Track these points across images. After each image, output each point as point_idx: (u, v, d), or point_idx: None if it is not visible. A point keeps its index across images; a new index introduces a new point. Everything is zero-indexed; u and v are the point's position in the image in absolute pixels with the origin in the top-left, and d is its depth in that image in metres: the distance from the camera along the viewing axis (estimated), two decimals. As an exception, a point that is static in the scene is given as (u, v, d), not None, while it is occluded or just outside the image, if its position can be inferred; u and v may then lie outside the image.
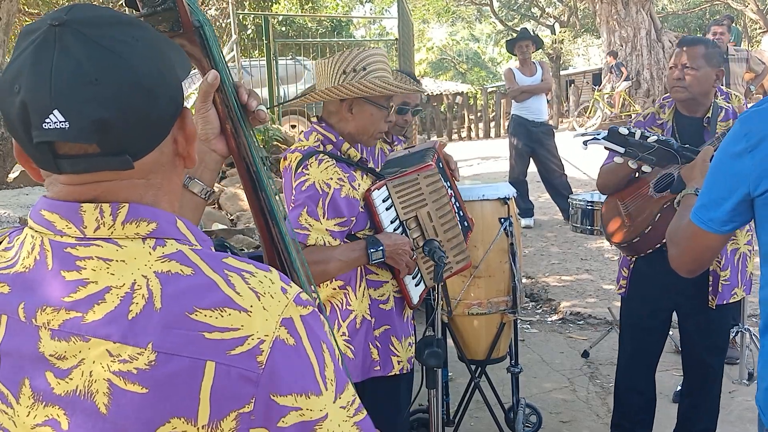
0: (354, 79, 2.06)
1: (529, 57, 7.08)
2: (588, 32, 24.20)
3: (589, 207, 4.08)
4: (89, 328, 0.76)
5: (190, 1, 1.03)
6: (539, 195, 8.09)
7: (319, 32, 14.31)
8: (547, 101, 8.85)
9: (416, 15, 23.71)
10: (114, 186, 0.81)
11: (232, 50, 8.62)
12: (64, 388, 0.77)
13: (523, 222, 7.15)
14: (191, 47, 1.06)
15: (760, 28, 19.15)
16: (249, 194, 1.11)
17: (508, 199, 2.92)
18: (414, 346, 2.30)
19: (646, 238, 2.68)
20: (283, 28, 15.32)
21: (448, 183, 2.37)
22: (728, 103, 2.74)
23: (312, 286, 1.14)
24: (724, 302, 2.70)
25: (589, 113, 15.77)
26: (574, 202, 4.30)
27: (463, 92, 21.04)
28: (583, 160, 7.96)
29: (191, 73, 0.97)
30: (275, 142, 6.50)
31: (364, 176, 2.18)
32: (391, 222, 2.17)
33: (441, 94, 21.77)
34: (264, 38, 8.95)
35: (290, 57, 9.92)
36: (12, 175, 6.41)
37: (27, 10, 11.21)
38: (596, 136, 2.33)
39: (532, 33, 7.70)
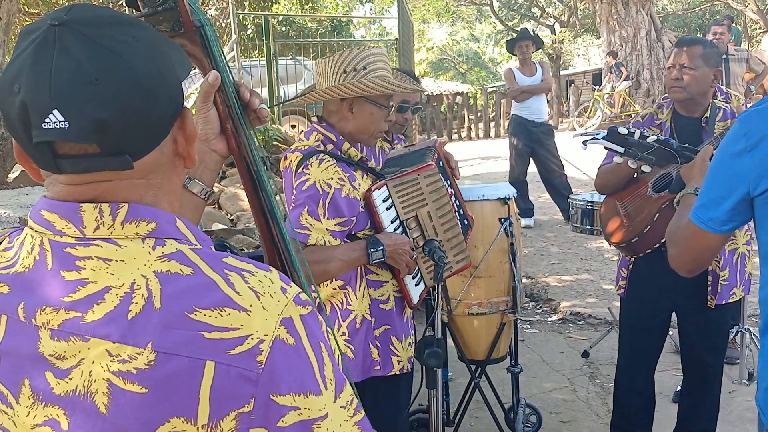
0: (354, 79, 2.06)
1: (529, 57, 7.08)
2: (588, 32, 24.21)
3: (589, 207, 4.08)
4: (89, 328, 0.76)
5: (191, 1, 1.03)
6: (539, 195, 8.09)
7: (319, 32, 14.32)
8: (547, 101, 8.86)
9: (416, 15, 23.71)
10: (114, 186, 0.81)
11: (232, 50, 8.62)
12: (63, 388, 0.77)
13: (523, 222, 7.15)
14: (192, 47, 1.06)
15: (760, 28, 19.15)
16: (249, 194, 1.11)
17: (509, 199, 2.92)
18: (414, 345, 2.30)
19: (644, 238, 2.68)
20: (283, 28, 15.32)
21: (449, 182, 2.37)
22: (728, 103, 2.75)
23: (312, 286, 1.14)
24: (723, 302, 2.70)
25: (589, 113, 15.78)
26: (574, 202, 4.30)
27: (463, 92, 21.04)
28: (583, 160, 7.96)
29: (191, 73, 0.97)
30: (275, 142, 6.50)
31: (365, 176, 2.18)
32: (392, 222, 2.17)
33: (441, 94, 21.76)
34: (264, 38, 8.96)
35: (290, 57, 9.93)
36: (12, 175, 6.42)
37: (27, 10, 11.21)
38: (596, 135, 2.34)
39: (532, 33, 7.70)
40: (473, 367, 3.07)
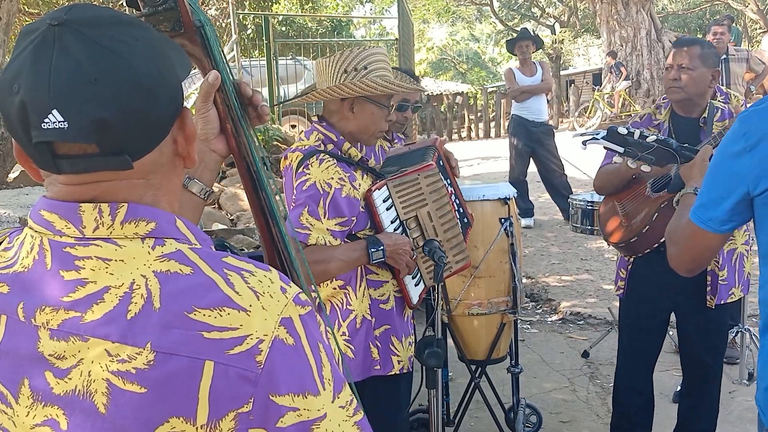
0: (355, 78, 2.06)
1: (529, 57, 7.08)
2: (588, 32, 24.20)
3: (589, 207, 4.08)
4: (88, 328, 0.76)
5: (192, 1, 1.03)
6: (539, 195, 8.09)
7: (319, 32, 14.32)
8: (547, 101, 8.85)
9: (416, 15, 23.71)
10: (113, 186, 0.81)
11: (232, 50, 8.63)
12: (63, 387, 0.77)
13: (523, 222, 7.15)
14: (192, 47, 1.06)
15: (760, 28, 19.15)
16: (249, 194, 1.11)
17: (509, 199, 2.92)
18: (414, 345, 2.30)
19: (643, 238, 2.68)
20: (283, 28, 15.32)
21: (449, 180, 2.37)
22: (727, 103, 2.75)
23: (312, 286, 1.14)
24: (722, 302, 2.70)
25: (589, 113, 15.78)
26: (574, 202, 4.30)
27: (463, 92, 21.04)
28: (583, 160, 7.95)
29: (191, 73, 0.97)
30: (275, 142, 6.50)
31: (365, 176, 2.18)
32: (392, 222, 2.17)
33: (441, 94, 21.76)
34: (264, 38, 8.96)
35: (290, 57, 9.92)
36: (12, 175, 6.41)
37: (27, 10, 11.21)
38: (595, 135, 2.33)
39: (532, 33, 7.70)
40: (473, 367, 3.07)
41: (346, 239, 2.11)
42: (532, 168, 7.22)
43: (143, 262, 0.79)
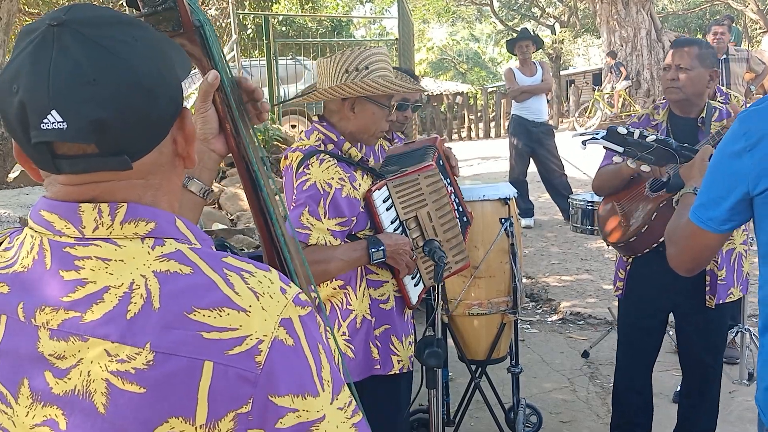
0: (357, 78, 2.06)
1: (529, 57, 7.08)
2: (588, 32, 24.20)
3: (590, 207, 4.08)
4: (88, 328, 0.76)
5: (191, 1, 1.03)
6: (539, 195, 8.09)
7: (319, 32, 14.32)
8: (548, 101, 8.85)
9: (416, 15, 23.71)
10: (112, 186, 0.81)
11: (233, 50, 8.62)
12: (62, 387, 0.77)
13: (523, 222, 7.15)
14: (191, 47, 1.06)
15: (760, 28, 19.15)
16: (249, 194, 1.11)
17: (509, 199, 2.91)
18: (414, 345, 2.30)
19: (642, 238, 2.69)
20: (283, 28, 15.32)
21: (448, 179, 2.37)
22: (726, 103, 2.75)
23: (311, 286, 1.13)
24: (721, 302, 2.71)
25: (589, 113, 15.78)
26: (574, 202, 4.30)
27: (463, 92, 21.03)
28: (583, 160, 7.96)
29: (191, 72, 0.97)
30: (275, 142, 6.50)
31: (365, 176, 2.18)
32: (391, 222, 2.17)
33: (441, 94, 21.75)
34: (264, 38, 8.95)
35: (290, 57, 9.92)
36: (12, 175, 6.41)
37: (27, 9, 11.21)
38: (595, 135, 2.34)
39: (532, 33, 7.70)
40: (473, 367, 3.07)
41: (346, 239, 2.11)
42: (532, 168, 7.22)
43: (143, 262, 0.79)
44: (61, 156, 0.77)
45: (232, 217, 5.30)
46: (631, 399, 2.96)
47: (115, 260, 0.79)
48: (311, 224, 2.03)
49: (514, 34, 8.82)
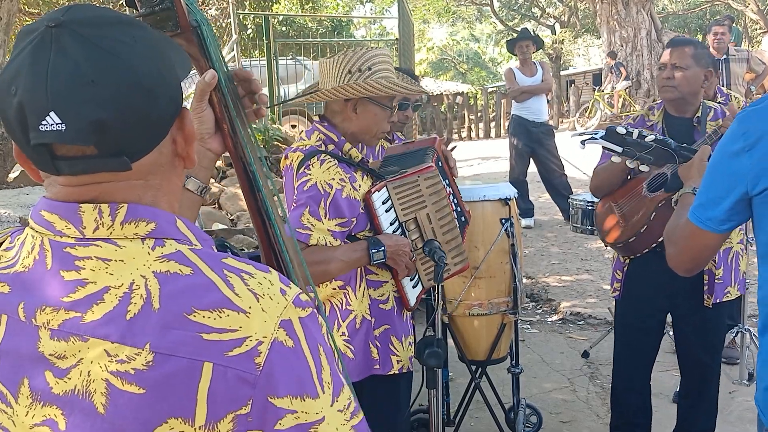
0: (360, 79, 2.07)
1: (529, 57, 7.08)
2: (588, 32, 24.20)
3: (590, 207, 4.08)
4: (88, 328, 0.76)
5: (189, 1, 1.03)
6: (539, 195, 8.09)
7: (320, 32, 14.32)
8: (548, 101, 8.86)
9: (417, 15, 23.71)
10: (112, 187, 0.81)
11: (233, 50, 8.62)
12: (62, 387, 0.77)
13: (524, 222, 7.15)
14: (189, 47, 1.05)
15: (760, 28, 19.15)
16: (246, 194, 1.11)
17: (509, 199, 2.91)
18: (413, 345, 2.30)
19: (641, 238, 2.69)
20: (284, 28, 15.32)
21: (447, 180, 2.37)
22: (726, 104, 2.75)
23: (310, 287, 1.13)
24: (718, 301, 2.71)
25: (589, 113, 15.78)
26: (575, 202, 4.30)
27: (463, 92, 21.02)
28: (583, 160, 7.96)
29: (191, 73, 0.97)
30: (275, 142, 6.50)
31: (365, 177, 2.18)
32: (391, 223, 2.17)
33: (441, 94, 21.74)
34: (264, 38, 8.95)
35: (290, 57, 9.92)
36: (12, 175, 6.41)
37: (27, 9, 11.21)
38: (594, 135, 2.33)
39: (532, 33, 7.70)
40: (473, 367, 3.07)
41: (345, 240, 2.11)
42: (532, 168, 7.22)
43: (143, 263, 0.79)
44: (60, 157, 0.77)
45: (232, 217, 5.30)
46: (630, 399, 2.96)
47: (116, 260, 0.79)
48: (312, 225, 2.03)
49: (515, 34, 8.82)
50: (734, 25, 9.25)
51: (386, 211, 2.15)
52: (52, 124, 0.74)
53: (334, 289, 2.15)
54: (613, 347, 3.02)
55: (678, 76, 2.64)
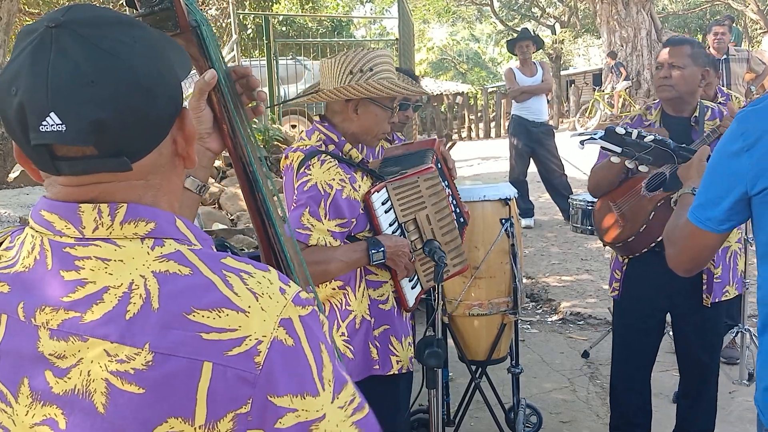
0: (361, 80, 2.07)
1: (529, 57, 7.08)
2: (588, 32, 24.20)
3: (590, 207, 4.08)
4: (87, 328, 0.76)
5: (188, 1, 1.03)
6: (539, 195, 8.09)
7: (320, 32, 14.31)
8: (548, 101, 8.86)
9: (417, 15, 23.71)
10: (112, 187, 0.81)
11: (233, 50, 8.62)
12: (62, 387, 0.77)
13: (524, 222, 7.15)
14: (188, 47, 1.05)
15: (760, 28, 19.15)
16: (246, 194, 1.11)
17: (510, 199, 2.91)
18: (412, 346, 2.30)
19: (641, 237, 2.69)
20: (284, 28, 15.32)
21: (446, 182, 2.37)
22: (725, 104, 2.76)
23: (310, 287, 1.13)
24: (717, 300, 2.72)
25: (589, 113, 15.78)
26: (575, 202, 4.30)
27: (463, 92, 21.02)
28: (583, 160, 7.95)
29: (191, 73, 0.97)
30: (275, 142, 6.50)
31: (365, 177, 2.18)
32: (390, 224, 2.17)
33: (441, 94, 21.74)
34: (264, 38, 8.95)
35: (290, 57, 9.92)
36: (12, 175, 6.41)
37: (27, 9, 11.21)
38: (593, 135, 2.33)
39: (532, 33, 7.71)
40: (473, 367, 3.07)
41: (345, 240, 2.11)
42: (532, 168, 7.22)
43: (142, 263, 0.79)
44: (60, 158, 0.77)
45: (232, 217, 5.30)
46: (629, 399, 2.96)
47: (115, 260, 0.79)
48: (312, 225, 2.03)
49: (515, 34, 8.82)
50: (734, 25, 9.26)
51: (386, 211, 2.15)
52: (52, 125, 0.74)
53: (334, 289, 2.15)
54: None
55: (675, 75, 2.65)
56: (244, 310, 0.77)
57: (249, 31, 12.75)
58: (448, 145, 3.46)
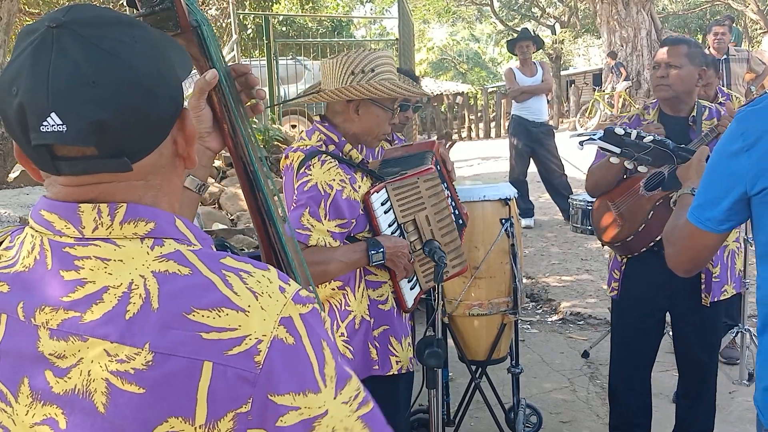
0: (363, 81, 2.07)
1: (529, 57, 7.08)
2: (588, 32, 24.20)
3: (589, 207, 4.06)
4: (87, 328, 0.76)
5: (189, 1, 1.03)
6: (539, 195, 8.09)
7: (320, 32, 14.31)
8: (548, 101, 8.86)
9: (417, 15, 23.71)
10: (112, 187, 0.81)
11: (233, 50, 8.62)
12: (62, 387, 0.77)
13: (524, 222, 7.15)
14: (189, 47, 1.05)
15: (760, 28, 19.15)
16: (246, 194, 1.11)
17: (509, 199, 2.91)
18: (413, 346, 2.30)
19: (640, 237, 2.69)
20: (284, 28, 15.32)
21: (445, 183, 2.37)
22: (724, 104, 2.76)
23: (311, 287, 1.13)
24: (716, 299, 2.72)
25: (590, 113, 15.78)
26: (574, 202, 4.30)
27: (463, 92, 21.02)
28: (583, 160, 7.95)
29: (192, 73, 0.97)
30: (275, 142, 6.50)
31: (364, 178, 2.18)
32: (389, 225, 2.17)
33: (441, 94, 21.74)
34: (264, 38, 8.95)
35: (290, 57, 9.92)
36: (12, 175, 6.40)
37: (28, 9, 11.21)
38: (592, 136, 2.33)
39: (532, 33, 7.71)
40: (473, 367, 3.07)
41: (345, 241, 2.11)
42: (532, 168, 7.22)
43: (142, 263, 0.79)
44: (60, 158, 0.77)
45: (232, 217, 5.30)
46: (629, 399, 2.96)
47: (114, 260, 0.79)
48: (311, 225, 2.03)
49: (515, 35, 8.83)
50: (734, 25, 9.26)
51: (385, 212, 2.15)
52: (53, 125, 0.74)
53: (333, 289, 2.15)
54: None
55: (672, 74, 2.65)
56: (244, 310, 0.77)
57: (249, 31, 12.75)
58: (448, 144, 3.45)
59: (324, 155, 2.08)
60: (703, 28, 20.12)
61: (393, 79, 2.11)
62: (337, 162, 2.09)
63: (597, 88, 17.41)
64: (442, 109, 18.39)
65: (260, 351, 0.76)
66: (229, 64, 1.12)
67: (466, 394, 3.18)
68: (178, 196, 0.89)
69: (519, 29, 10.76)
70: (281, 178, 2.25)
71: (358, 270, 2.15)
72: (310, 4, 15.54)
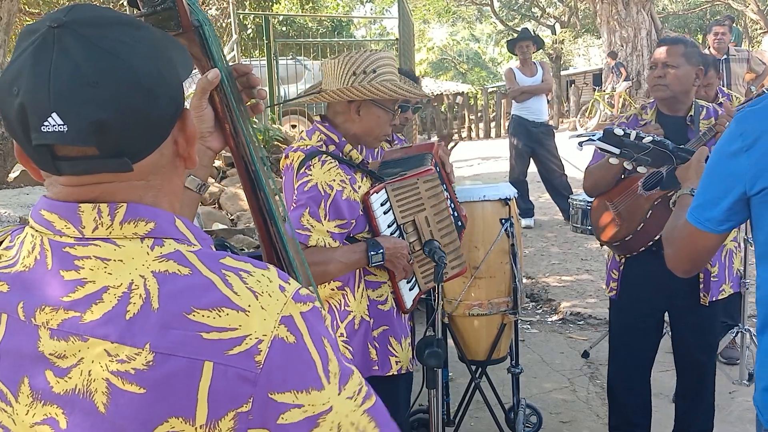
0: (364, 81, 2.07)
1: (529, 57, 7.09)
2: (588, 32, 24.21)
3: (590, 207, 4.06)
4: (87, 328, 0.76)
5: (190, 1, 1.03)
6: (539, 195, 8.09)
7: (320, 32, 14.31)
8: (548, 101, 8.86)
9: (417, 15, 23.71)
10: (113, 187, 0.81)
11: (233, 50, 8.62)
12: (63, 386, 0.77)
13: (524, 222, 7.15)
14: (190, 46, 1.06)
15: (760, 28, 19.15)
16: (248, 194, 1.11)
17: (509, 199, 2.91)
18: (413, 346, 2.30)
19: (638, 236, 2.69)
20: (284, 28, 15.33)
21: (444, 185, 2.37)
22: (722, 105, 2.76)
23: (311, 287, 1.13)
24: (714, 299, 2.72)
25: (590, 113, 15.78)
26: (575, 202, 4.30)
27: (463, 92, 21.02)
28: (583, 160, 7.96)
29: (193, 73, 0.97)
30: (275, 142, 6.50)
31: (364, 178, 2.18)
32: (389, 226, 2.17)
33: (441, 94, 21.74)
34: (264, 38, 8.95)
35: (291, 57, 9.93)
36: (12, 175, 6.40)
37: (28, 9, 11.20)
38: (591, 137, 2.33)
39: (532, 33, 7.71)
40: (473, 367, 3.07)
41: (344, 241, 2.11)
42: (532, 168, 7.22)
43: (142, 263, 0.79)
44: (61, 158, 0.77)
45: (232, 217, 5.30)
46: (628, 399, 2.96)
47: (114, 260, 0.79)
48: (311, 225, 2.03)
49: (515, 34, 8.83)
50: (734, 25, 9.26)
51: (384, 212, 2.15)
52: (53, 125, 0.74)
53: (333, 289, 2.15)
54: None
55: (669, 74, 2.65)
56: (244, 309, 0.77)
57: (249, 31, 12.75)
58: (451, 145, 3.46)
59: (324, 155, 2.08)
60: (703, 28, 20.12)
61: (394, 80, 2.11)
62: (337, 162, 2.09)
63: (597, 88, 17.41)
64: (442, 109, 18.39)
65: (261, 351, 0.76)
66: (230, 64, 1.12)
67: (466, 394, 3.18)
68: (179, 196, 0.89)
69: (519, 29, 10.76)
70: (281, 177, 2.25)
71: (357, 270, 2.15)
72: (310, 4, 15.54)
